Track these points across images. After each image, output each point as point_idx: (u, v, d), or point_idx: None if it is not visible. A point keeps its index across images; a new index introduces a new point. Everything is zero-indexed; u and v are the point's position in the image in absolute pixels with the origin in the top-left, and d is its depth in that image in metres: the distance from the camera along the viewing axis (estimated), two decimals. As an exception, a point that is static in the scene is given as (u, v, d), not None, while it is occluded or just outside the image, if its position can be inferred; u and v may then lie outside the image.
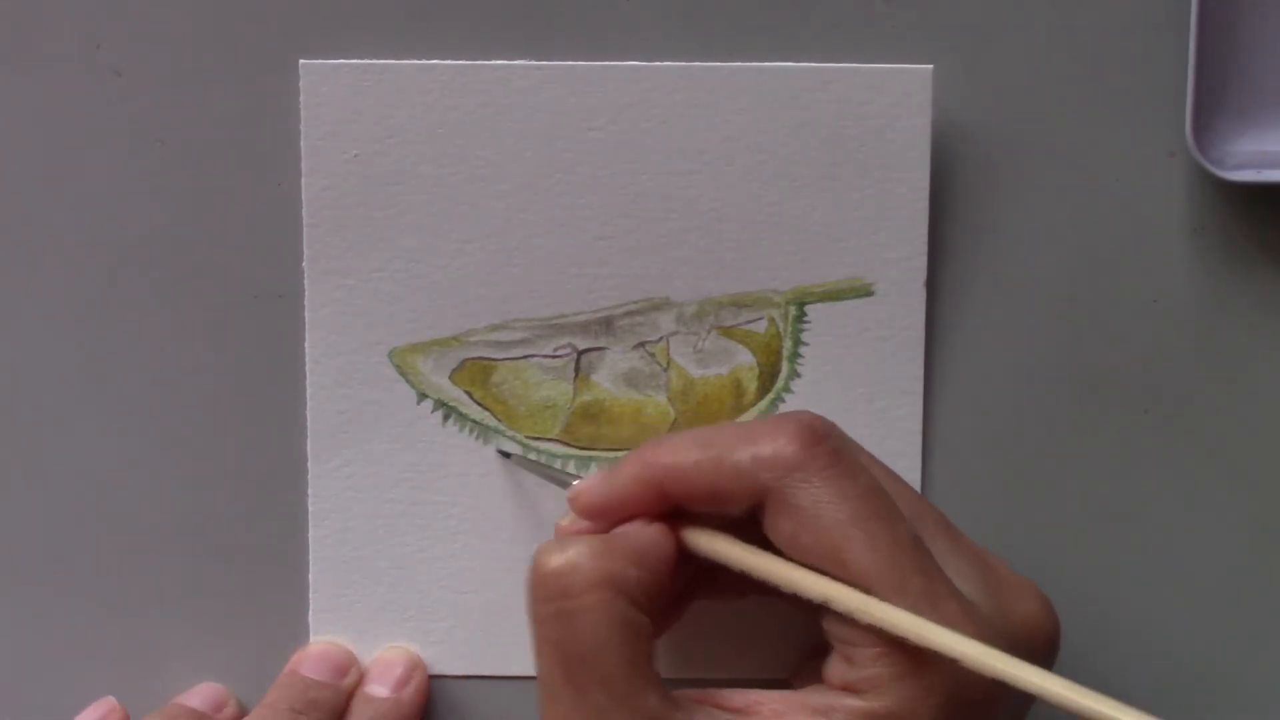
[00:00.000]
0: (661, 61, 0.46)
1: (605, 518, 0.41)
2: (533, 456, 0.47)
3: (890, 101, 0.45)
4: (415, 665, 0.47)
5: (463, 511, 0.47)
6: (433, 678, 0.47)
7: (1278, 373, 0.47)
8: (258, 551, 0.47)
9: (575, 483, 0.41)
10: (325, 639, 0.47)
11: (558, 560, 0.38)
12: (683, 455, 0.39)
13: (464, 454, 0.47)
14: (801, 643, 0.45)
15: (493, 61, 0.46)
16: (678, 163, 0.46)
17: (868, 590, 0.37)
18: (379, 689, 0.46)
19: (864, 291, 0.46)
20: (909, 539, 0.38)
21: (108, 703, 0.47)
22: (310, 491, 0.47)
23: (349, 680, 0.46)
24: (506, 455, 0.46)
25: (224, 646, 0.48)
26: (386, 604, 0.47)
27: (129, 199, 0.47)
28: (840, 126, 0.46)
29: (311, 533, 0.47)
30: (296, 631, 0.47)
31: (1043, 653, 0.40)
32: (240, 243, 0.47)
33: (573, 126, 0.46)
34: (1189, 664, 0.47)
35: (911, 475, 0.47)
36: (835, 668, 0.38)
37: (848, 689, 0.38)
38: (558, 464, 0.47)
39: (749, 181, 0.46)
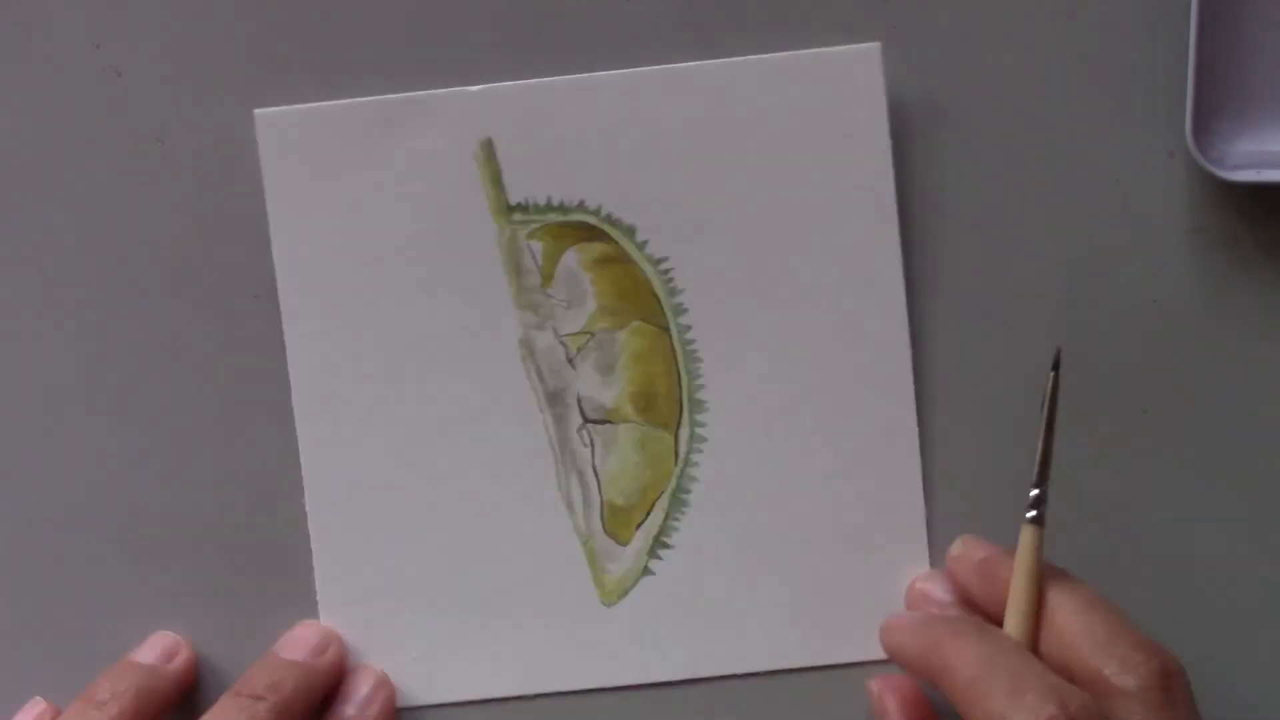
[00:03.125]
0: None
1: None
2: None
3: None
4: (381, 684, 0.47)
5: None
6: (453, 705, 0.47)
7: (1278, 373, 0.47)
8: (257, 547, 0.47)
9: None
10: (311, 620, 0.47)
11: None
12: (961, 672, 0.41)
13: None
14: None
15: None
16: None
17: None
18: (345, 708, 0.47)
19: None
20: None
21: (38, 703, 0.47)
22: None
23: (326, 658, 0.46)
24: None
25: (214, 643, 0.48)
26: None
27: (128, 199, 0.47)
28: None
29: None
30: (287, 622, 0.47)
31: None
32: (240, 242, 0.47)
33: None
34: (1189, 663, 0.47)
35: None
36: None
37: None
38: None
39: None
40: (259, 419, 0.47)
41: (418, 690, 0.47)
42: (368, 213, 0.46)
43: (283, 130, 0.46)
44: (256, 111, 0.46)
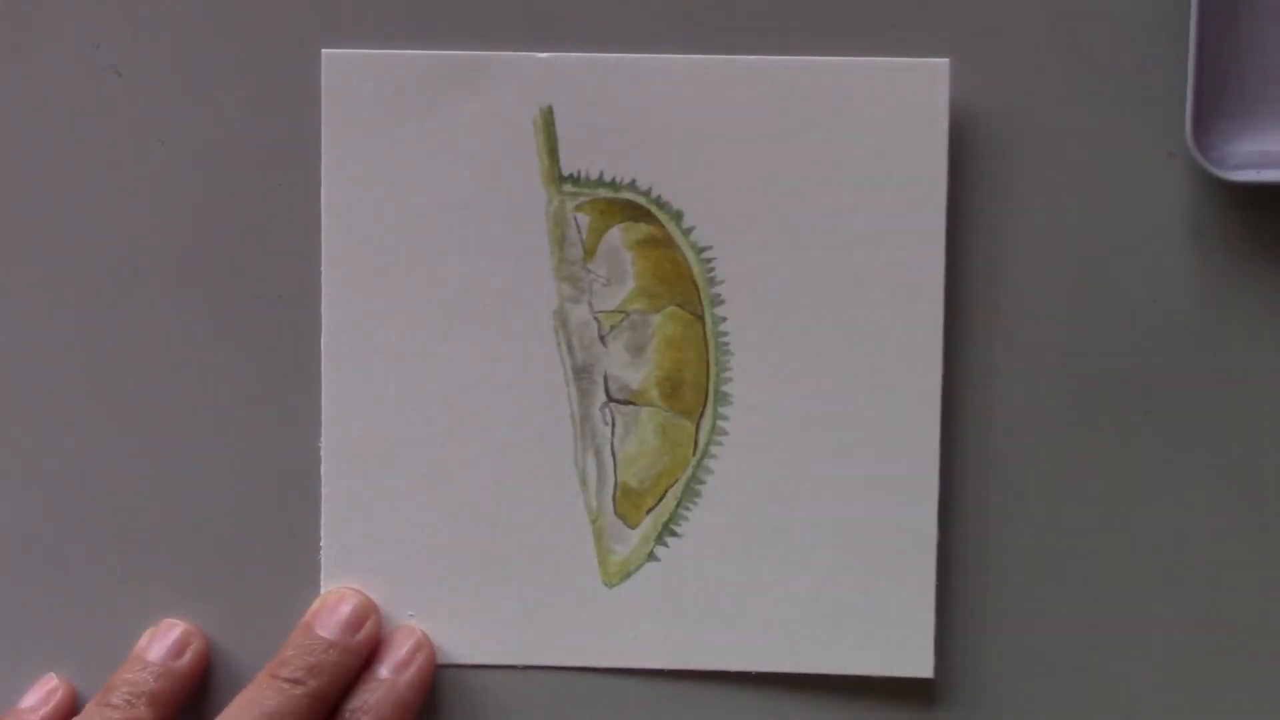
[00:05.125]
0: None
1: None
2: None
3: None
4: (420, 647, 0.47)
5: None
6: (443, 667, 0.47)
7: (1278, 373, 0.47)
8: (266, 549, 0.47)
9: None
10: (344, 584, 0.47)
11: None
12: None
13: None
14: None
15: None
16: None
17: None
18: (380, 669, 0.46)
19: None
20: None
21: (50, 679, 0.47)
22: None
23: (364, 634, 0.46)
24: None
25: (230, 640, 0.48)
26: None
27: (129, 199, 0.47)
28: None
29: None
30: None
31: None
32: (240, 242, 0.47)
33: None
34: (1188, 663, 0.47)
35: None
36: None
37: None
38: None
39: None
40: (259, 417, 0.47)
41: None
42: (421, 166, 0.46)
43: (347, 73, 0.46)
44: (324, 51, 0.46)
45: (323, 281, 0.46)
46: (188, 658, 0.47)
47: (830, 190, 0.46)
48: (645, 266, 0.47)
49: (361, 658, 0.46)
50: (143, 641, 0.47)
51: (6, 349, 0.47)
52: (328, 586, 0.47)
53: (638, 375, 0.47)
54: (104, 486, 0.48)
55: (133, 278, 0.47)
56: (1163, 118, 0.46)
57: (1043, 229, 0.46)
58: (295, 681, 0.45)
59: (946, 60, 0.45)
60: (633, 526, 0.47)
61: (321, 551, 0.47)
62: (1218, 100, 0.46)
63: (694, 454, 0.47)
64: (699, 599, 0.47)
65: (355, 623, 0.46)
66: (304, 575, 0.47)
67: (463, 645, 0.47)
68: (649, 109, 0.46)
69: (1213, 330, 0.47)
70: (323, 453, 0.47)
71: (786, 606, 0.47)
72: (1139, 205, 0.46)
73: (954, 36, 0.46)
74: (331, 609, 0.46)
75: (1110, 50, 0.46)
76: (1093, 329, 0.47)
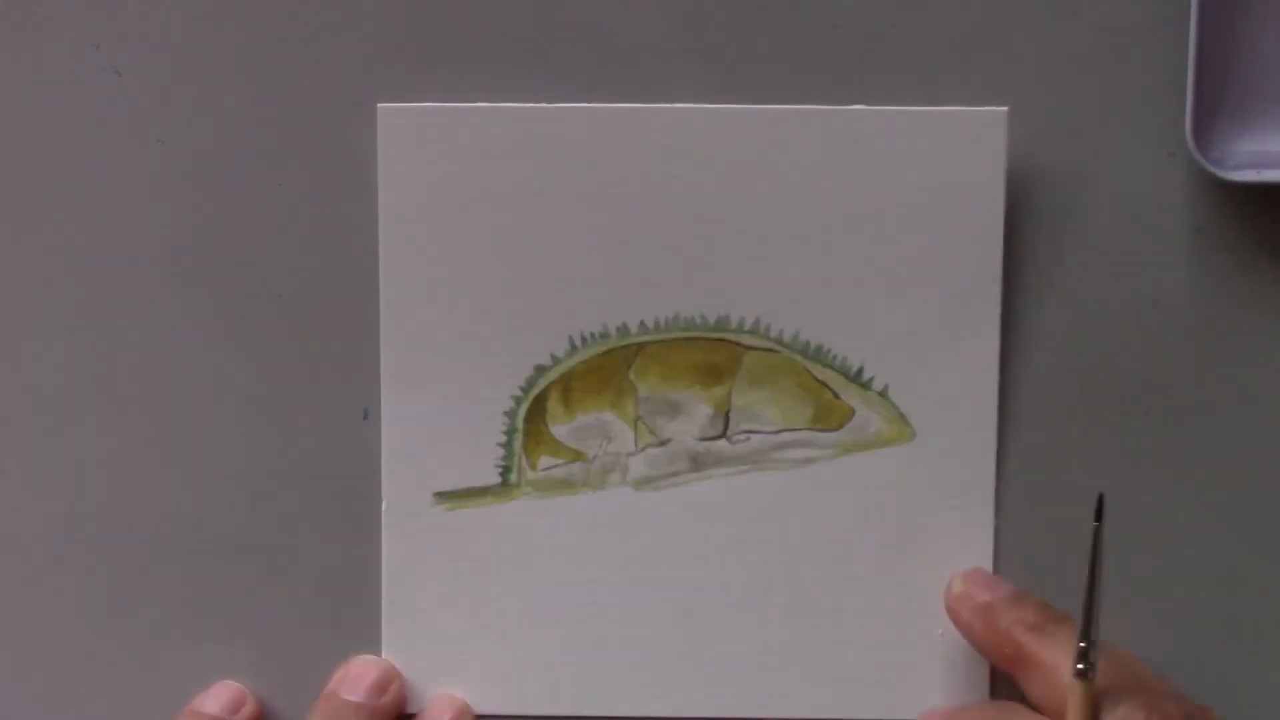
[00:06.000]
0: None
1: None
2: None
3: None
4: (461, 713, 0.47)
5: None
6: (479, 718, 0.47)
7: (1278, 373, 0.47)
8: (270, 552, 0.47)
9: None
10: (368, 656, 0.47)
11: None
12: None
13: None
14: None
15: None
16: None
17: None
18: None
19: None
20: None
21: (229, 686, 0.47)
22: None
23: (387, 698, 0.46)
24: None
25: (260, 656, 0.48)
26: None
27: (129, 199, 0.47)
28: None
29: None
30: (336, 643, 0.47)
31: None
32: (240, 242, 0.47)
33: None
34: (1188, 663, 0.47)
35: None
36: None
37: None
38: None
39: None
40: (259, 417, 0.47)
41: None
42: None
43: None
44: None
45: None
46: (243, 714, 0.47)
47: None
48: None
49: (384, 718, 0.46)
50: (197, 699, 0.47)
51: (6, 349, 0.47)
52: (384, 651, 0.47)
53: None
54: (103, 488, 0.47)
55: (132, 278, 0.47)
56: (1163, 118, 0.46)
57: (1042, 228, 0.46)
58: None
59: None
60: None
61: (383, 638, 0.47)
62: (1218, 100, 0.46)
63: None
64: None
65: (380, 686, 0.46)
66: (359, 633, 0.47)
67: (493, 696, 0.47)
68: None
69: (1213, 330, 0.47)
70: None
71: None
72: (1139, 205, 0.46)
73: (949, 34, 0.46)
74: (354, 674, 0.46)
75: (1110, 50, 0.46)
76: (1093, 329, 0.47)
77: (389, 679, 0.46)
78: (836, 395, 0.46)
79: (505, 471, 0.47)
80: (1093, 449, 0.47)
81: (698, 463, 0.47)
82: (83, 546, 0.48)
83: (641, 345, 0.46)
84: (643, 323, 0.46)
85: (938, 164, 0.45)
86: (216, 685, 0.47)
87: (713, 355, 0.46)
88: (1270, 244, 0.47)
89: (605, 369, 0.47)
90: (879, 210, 0.46)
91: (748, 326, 0.46)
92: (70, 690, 0.48)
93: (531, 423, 0.47)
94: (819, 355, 0.46)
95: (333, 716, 0.46)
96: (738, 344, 0.46)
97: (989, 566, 0.47)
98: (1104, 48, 0.46)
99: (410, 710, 0.47)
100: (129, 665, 0.48)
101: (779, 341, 0.46)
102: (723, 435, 0.47)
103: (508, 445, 0.47)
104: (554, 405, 0.47)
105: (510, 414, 0.47)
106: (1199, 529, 0.47)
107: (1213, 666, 0.47)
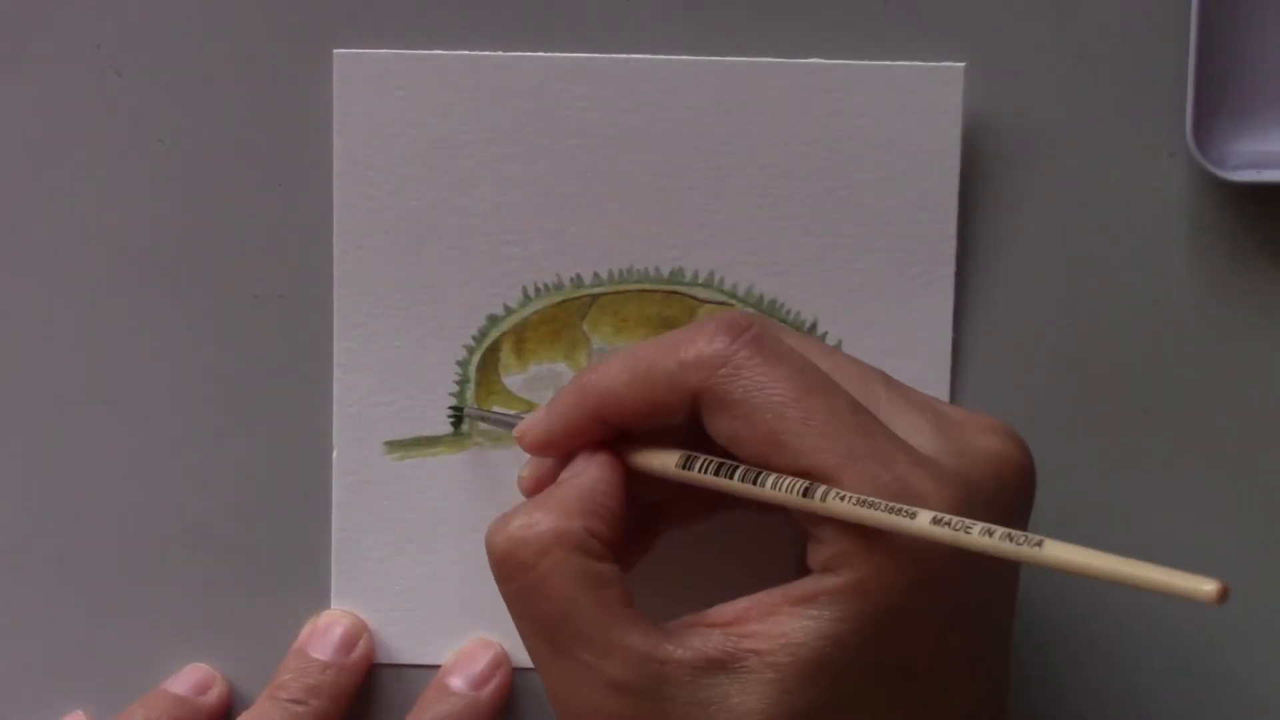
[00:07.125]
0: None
1: (554, 450, 0.41)
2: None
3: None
4: (499, 663, 0.46)
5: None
6: (517, 670, 0.47)
7: (1278, 373, 0.47)
8: (268, 550, 0.47)
9: (520, 421, 0.41)
10: (340, 607, 0.47)
11: (503, 539, 0.38)
12: (615, 376, 0.39)
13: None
14: (788, 543, 0.44)
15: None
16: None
17: (816, 467, 0.36)
18: (457, 682, 0.46)
19: None
20: (847, 406, 0.37)
21: (78, 717, 0.47)
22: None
23: (356, 654, 0.46)
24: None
25: (230, 642, 0.48)
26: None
27: (129, 199, 0.47)
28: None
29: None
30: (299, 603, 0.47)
31: (1015, 487, 0.39)
32: (241, 242, 0.47)
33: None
34: (1188, 663, 0.47)
35: None
36: (811, 552, 0.37)
37: (825, 569, 0.36)
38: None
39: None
40: (258, 418, 0.47)
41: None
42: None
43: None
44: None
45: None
46: (211, 696, 0.47)
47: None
48: None
49: (357, 679, 0.46)
50: (166, 680, 0.47)
51: (6, 349, 0.47)
52: (336, 606, 0.47)
53: None
54: (101, 490, 0.47)
55: (132, 278, 0.47)
56: (1163, 118, 0.46)
57: (1042, 228, 0.46)
58: (297, 701, 0.45)
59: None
60: None
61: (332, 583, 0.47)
62: (1218, 100, 0.46)
63: None
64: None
65: (348, 643, 0.46)
66: (312, 589, 0.47)
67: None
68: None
69: (1213, 330, 0.47)
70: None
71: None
72: (1139, 205, 0.46)
73: (949, 35, 0.46)
74: (323, 632, 0.46)
75: (1110, 50, 0.46)
76: (1093, 329, 0.47)
77: (356, 634, 0.46)
78: None
79: (457, 421, 0.47)
80: (1093, 449, 0.47)
81: None
82: (69, 543, 0.48)
83: (595, 296, 0.46)
84: (596, 274, 0.46)
85: (894, 119, 0.46)
86: (186, 668, 0.47)
87: (666, 308, 0.47)
88: (1270, 244, 0.47)
89: (558, 320, 0.47)
90: (835, 164, 0.46)
91: (701, 280, 0.46)
92: (31, 678, 0.48)
93: (484, 372, 0.47)
94: (772, 309, 0.46)
95: (300, 673, 0.45)
96: (691, 297, 0.46)
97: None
98: (1103, 47, 0.46)
99: (379, 660, 0.47)
100: (94, 651, 0.48)
101: (733, 295, 0.46)
102: None
103: (460, 395, 0.47)
104: (507, 355, 0.47)
105: (463, 363, 0.47)
106: (1199, 529, 0.47)
107: (1212, 665, 0.47)
